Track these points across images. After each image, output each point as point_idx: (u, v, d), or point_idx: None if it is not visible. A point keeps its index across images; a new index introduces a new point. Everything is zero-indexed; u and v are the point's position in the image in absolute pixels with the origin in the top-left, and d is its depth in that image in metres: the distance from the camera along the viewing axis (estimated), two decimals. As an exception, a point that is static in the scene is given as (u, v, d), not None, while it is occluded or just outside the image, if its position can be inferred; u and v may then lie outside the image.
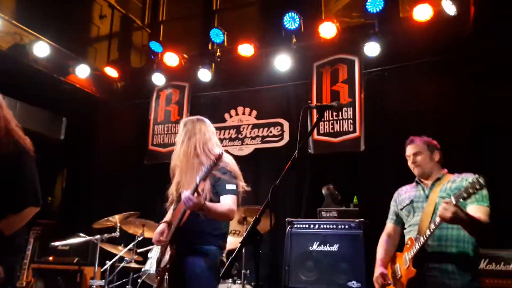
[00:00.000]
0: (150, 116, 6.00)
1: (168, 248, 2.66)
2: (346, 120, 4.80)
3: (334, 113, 4.83)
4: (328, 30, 4.75)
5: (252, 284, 4.21)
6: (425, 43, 4.55)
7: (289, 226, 4.17)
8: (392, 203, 2.97)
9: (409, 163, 2.81)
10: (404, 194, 2.87)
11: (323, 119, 4.79)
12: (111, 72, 5.90)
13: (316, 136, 4.90)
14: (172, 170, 2.92)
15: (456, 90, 4.40)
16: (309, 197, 4.87)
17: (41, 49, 5.15)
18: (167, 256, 2.66)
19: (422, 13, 4.38)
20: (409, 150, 2.81)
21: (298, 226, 4.13)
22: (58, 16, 5.49)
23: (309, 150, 4.89)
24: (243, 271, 4.01)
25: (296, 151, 1.98)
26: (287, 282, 3.99)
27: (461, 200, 2.17)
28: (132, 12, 6.82)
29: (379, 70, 4.91)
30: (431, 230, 2.37)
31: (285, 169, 1.98)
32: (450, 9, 4.30)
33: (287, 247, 4.09)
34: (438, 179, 2.69)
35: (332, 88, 4.98)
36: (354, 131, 4.76)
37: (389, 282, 2.69)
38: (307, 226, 4.10)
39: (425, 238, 2.42)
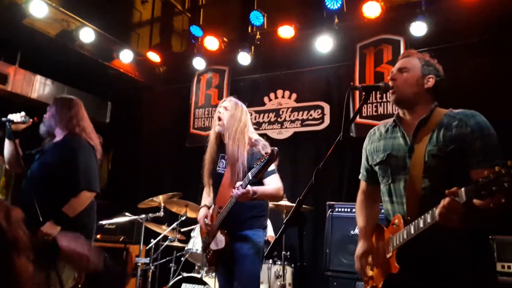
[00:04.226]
0: (191, 100, 6.08)
1: (220, 234, 2.73)
2: (391, 103, 4.65)
3: (378, 95, 4.71)
4: (372, 9, 4.60)
5: (292, 265, 4.25)
6: (476, 21, 4.32)
7: (330, 210, 4.15)
8: (363, 152, 2.20)
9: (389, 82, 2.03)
10: (378, 141, 2.08)
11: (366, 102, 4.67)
12: (153, 57, 6.01)
13: (358, 119, 4.80)
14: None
15: (510, 70, 4.17)
16: (350, 181, 4.80)
17: (87, 35, 5.29)
18: (220, 241, 2.72)
19: (474, -10, 4.17)
20: (397, 64, 2.05)
21: (340, 210, 4.11)
22: (102, 2, 5.62)
23: (351, 133, 4.80)
24: (283, 252, 4.05)
25: (341, 134, 1.90)
26: (328, 265, 3.99)
27: (476, 199, 1.47)
28: (173, -3, 6.88)
29: (425, 50, 4.69)
30: (426, 224, 1.64)
31: (329, 152, 1.91)
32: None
33: (328, 230, 4.09)
34: (425, 120, 1.92)
35: (376, 70, 4.84)
36: (394, 103, 4.59)
37: (371, 267, 2.02)
38: (348, 210, 4.07)
39: (416, 230, 1.70)
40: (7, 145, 2.94)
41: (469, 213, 1.52)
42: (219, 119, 2.86)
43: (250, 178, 2.47)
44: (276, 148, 2.44)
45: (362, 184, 2.23)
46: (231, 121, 2.82)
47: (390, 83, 2.01)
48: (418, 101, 1.97)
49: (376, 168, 2.06)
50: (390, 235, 1.89)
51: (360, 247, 2.08)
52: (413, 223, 1.73)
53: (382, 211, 2.11)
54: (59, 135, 2.89)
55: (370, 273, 2.03)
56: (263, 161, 2.40)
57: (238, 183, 2.50)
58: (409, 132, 1.95)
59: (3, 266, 1.02)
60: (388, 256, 1.87)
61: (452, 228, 1.56)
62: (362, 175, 2.23)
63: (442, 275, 1.76)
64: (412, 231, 1.72)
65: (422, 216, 1.68)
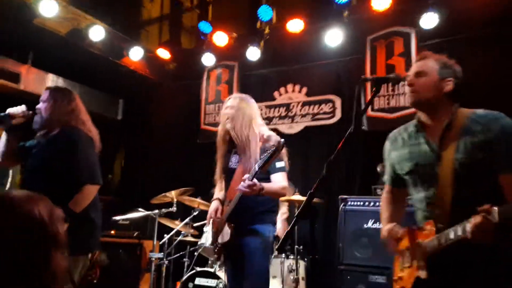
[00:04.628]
0: (201, 96, 6.10)
1: (227, 226, 2.74)
2: (403, 95, 4.61)
3: (390, 88, 4.67)
4: (381, 1, 4.56)
5: (305, 259, 4.25)
6: (489, 12, 4.24)
7: (342, 204, 4.13)
8: (386, 158, 2.19)
9: (406, 87, 2.00)
10: (402, 148, 2.06)
11: (378, 95, 4.63)
12: (163, 53, 6.03)
13: (370, 113, 4.76)
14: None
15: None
16: (362, 175, 4.78)
17: (97, 33, 5.28)
18: (226, 234, 2.74)
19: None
20: (413, 68, 2.01)
21: (352, 203, 4.08)
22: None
23: (363, 127, 4.77)
24: (296, 246, 4.04)
25: (352, 126, 1.88)
26: (341, 259, 3.98)
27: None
28: (181, -7, 6.88)
29: (437, 42, 4.65)
30: (456, 238, 1.68)
31: (340, 144, 1.89)
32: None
33: (341, 224, 4.07)
34: (449, 125, 1.88)
35: (387, 62, 4.79)
36: (411, 106, 4.57)
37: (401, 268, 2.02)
38: (361, 203, 4.04)
39: (448, 241, 1.73)
40: (3, 137, 2.91)
41: (501, 230, 1.54)
42: (227, 118, 2.85)
43: (257, 169, 2.46)
44: (282, 139, 2.43)
45: (387, 187, 2.25)
46: (236, 118, 2.81)
47: (407, 89, 1.99)
48: (438, 105, 1.93)
49: (406, 177, 2.05)
50: (421, 240, 1.90)
51: (385, 227, 2.13)
52: (444, 233, 1.75)
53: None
54: (57, 128, 2.82)
55: (399, 273, 2.04)
56: (269, 153, 2.40)
57: (245, 176, 2.51)
58: (434, 138, 1.92)
59: (43, 258, 1.09)
60: (418, 261, 1.89)
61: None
62: (387, 180, 2.24)
63: (465, 279, 1.80)
64: (443, 241, 1.75)
65: (453, 229, 1.70)
